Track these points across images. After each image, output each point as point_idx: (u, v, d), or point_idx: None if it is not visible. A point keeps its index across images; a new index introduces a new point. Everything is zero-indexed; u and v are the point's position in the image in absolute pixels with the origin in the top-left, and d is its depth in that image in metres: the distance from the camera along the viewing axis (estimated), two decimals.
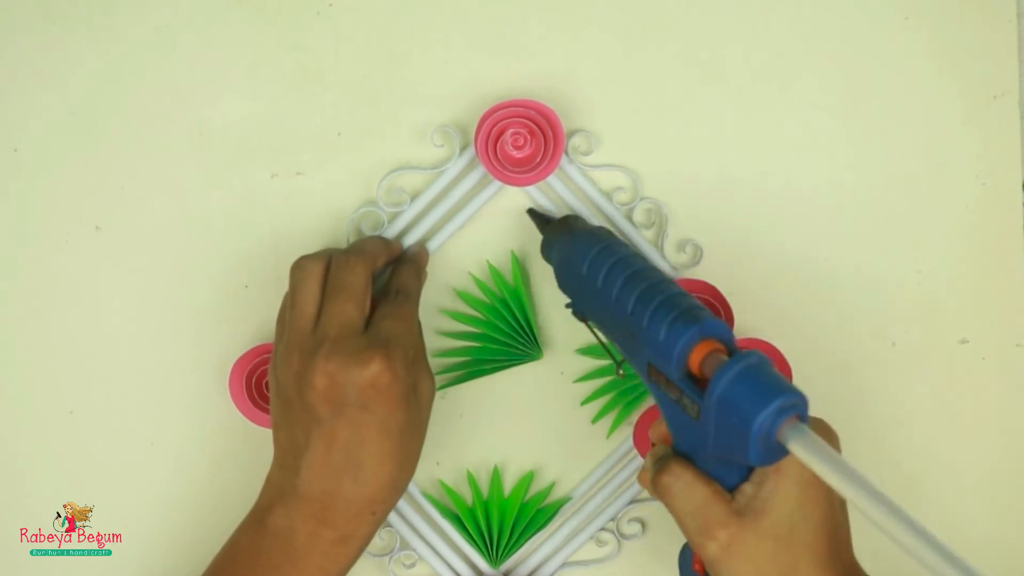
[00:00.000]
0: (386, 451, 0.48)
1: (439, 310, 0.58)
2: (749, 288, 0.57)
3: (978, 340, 0.58)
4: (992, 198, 0.58)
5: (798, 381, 0.52)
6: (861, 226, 0.58)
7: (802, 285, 0.58)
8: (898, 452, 0.59)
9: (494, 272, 0.57)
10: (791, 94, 0.58)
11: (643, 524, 0.58)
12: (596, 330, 0.50)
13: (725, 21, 0.58)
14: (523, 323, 0.56)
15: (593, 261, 0.48)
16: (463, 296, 0.57)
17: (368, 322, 0.49)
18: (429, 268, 0.56)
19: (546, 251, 0.54)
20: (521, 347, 0.57)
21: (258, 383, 0.55)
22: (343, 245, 0.56)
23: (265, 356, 0.55)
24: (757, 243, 0.57)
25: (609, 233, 0.52)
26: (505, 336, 0.57)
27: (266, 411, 0.55)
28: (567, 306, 0.51)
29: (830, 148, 0.58)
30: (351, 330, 0.48)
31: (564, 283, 0.51)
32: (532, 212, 0.56)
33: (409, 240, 0.56)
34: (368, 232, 0.56)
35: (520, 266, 0.57)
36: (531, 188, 0.56)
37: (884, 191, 0.58)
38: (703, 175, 0.58)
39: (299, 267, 0.51)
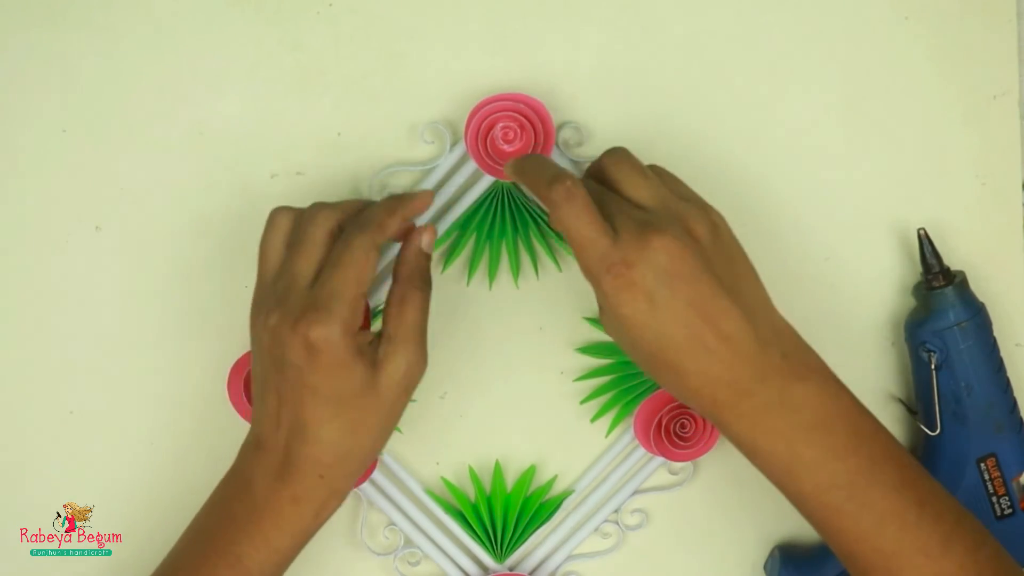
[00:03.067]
0: (325, 417, 0.46)
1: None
2: None
3: None
4: (992, 198, 0.58)
5: None
6: (861, 226, 0.58)
7: (801, 283, 0.58)
8: None
9: None
10: (790, 93, 0.58)
11: (646, 515, 0.58)
12: (936, 377, 0.54)
13: (720, 17, 0.57)
14: None
15: (994, 345, 0.54)
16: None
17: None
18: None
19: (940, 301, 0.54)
20: None
21: None
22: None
23: None
24: (753, 237, 0.57)
25: None
26: None
27: None
28: (921, 343, 0.54)
29: (829, 147, 0.58)
30: (295, 287, 0.46)
31: (942, 336, 0.54)
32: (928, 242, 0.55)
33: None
34: None
35: None
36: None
37: (884, 191, 0.58)
38: (695, 165, 0.57)
39: (269, 219, 0.50)
